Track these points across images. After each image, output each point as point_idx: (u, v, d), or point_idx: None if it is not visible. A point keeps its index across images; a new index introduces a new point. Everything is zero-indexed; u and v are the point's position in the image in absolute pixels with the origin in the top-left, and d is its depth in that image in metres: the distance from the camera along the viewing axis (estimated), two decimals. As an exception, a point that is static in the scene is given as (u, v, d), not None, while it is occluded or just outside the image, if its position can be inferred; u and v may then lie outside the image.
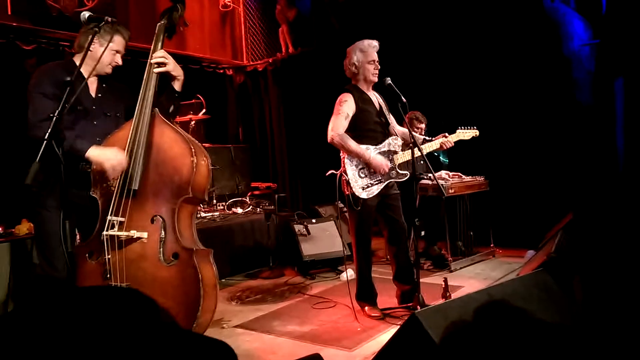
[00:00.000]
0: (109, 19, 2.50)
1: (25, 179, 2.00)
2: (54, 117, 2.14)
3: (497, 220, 4.88)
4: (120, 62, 2.65)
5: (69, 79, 2.27)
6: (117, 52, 2.61)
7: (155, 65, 2.56)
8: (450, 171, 4.77)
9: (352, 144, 3.16)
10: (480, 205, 4.80)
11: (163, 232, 2.40)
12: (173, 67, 2.60)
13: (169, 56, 2.59)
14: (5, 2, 4.75)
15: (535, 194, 4.80)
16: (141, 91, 2.52)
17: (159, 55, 2.57)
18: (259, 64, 7.12)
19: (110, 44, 2.53)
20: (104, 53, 2.52)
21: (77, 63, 2.49)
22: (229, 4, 7.13)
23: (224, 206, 5.36)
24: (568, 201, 4.36)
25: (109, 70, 2.63)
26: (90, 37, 2.44)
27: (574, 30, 4.79)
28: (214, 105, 6.36)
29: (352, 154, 3.19)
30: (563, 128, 4.69)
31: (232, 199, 5.49)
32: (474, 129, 3.61)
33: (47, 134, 2.12)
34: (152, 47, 2.60)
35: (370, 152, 3.20)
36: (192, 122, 5.50)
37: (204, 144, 5.61)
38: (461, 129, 3.59)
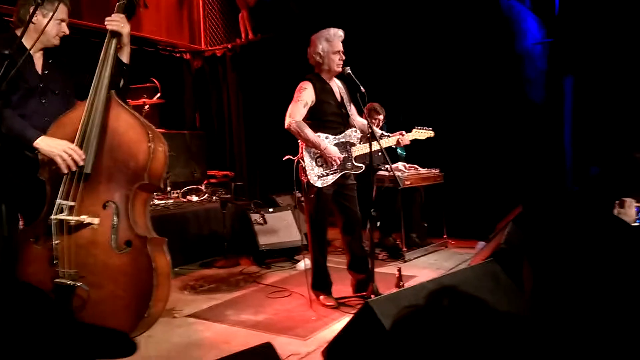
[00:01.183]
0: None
1: None
2: None
3: (450, 212, 5.00)
4: (67, 31, 2.51)
5: (7, 52, 2.14)
6: (62, 20, 2.47)
7: (112, 29, 2.42)
8: (407, 163, 4.85)
9: (309, 132, 3.14)
10: (434, 197, 4.91)
11: (116, 218, 2.31)
12: (127, 33, 2.48)
13: (126, 22, 2.47)
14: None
15: (487, 187, 4.94)
16: (97, 70, 2.40)
17: (117, 17, 2.44)
18: (217, 49, 6.96)
19: (55, 14, 2.39)
20: (49, 23, 2.38)
21: (20, 37, 2.35)
22: (186, -15, 6.92)
23: (178, 194, 5.24)
24: (518, 194, 4.51)
25: (56, 42, 2.49)
26: (32, 8, 2.30)
27: (528, 28, 4.94)
28: (170, 90, 6.17)
29: (308, 143, 3.17)
30: (515, 124, 4.84)
31: (187, 187, 5.36)
32: (429, 130, 3.69)
33: None
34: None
35: (326, 142, 3.19)
36: (147, 106, 5.33)
37: (158, 130, 5.47)
38: (417, 128, 3.65)
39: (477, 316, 0.91)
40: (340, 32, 3.25)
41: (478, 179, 5.03)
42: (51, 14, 2.38)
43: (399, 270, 3.36)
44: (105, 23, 2.44)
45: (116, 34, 2.45)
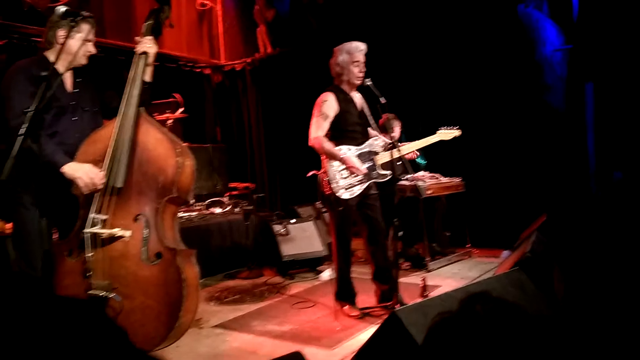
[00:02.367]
0: (85, 14, 2.49)
1: (0, 175, 1.97)
2: (29, 113, 2.11)
3: (473, 221, 4.97)
4: (93, 50, 2.60)
5: (44, 74, 2.24)
6: (88, 40, 2.56)
7: (142, 51, 2.53)
8: (429, 172, 4.85)
9: (327, 146, 3.18)
10: (457, 206, 4.89)
11: (146, 231, 2.37)
12: (154, 54, 2.58)
13: (154, 43, 2.57)
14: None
15: (510, 195, 4.91)
16: (126, 89, 2.48)
17: (147, 40, 2.54)
18: (237, 64, 7.08)
19: (80, 34, 2.50)
20: (74, 43, 2.48)
21: (50, 58, 2.45)
22: (206, 2, 7.08)
23: (201, 206, 5.32)
24: (542, 202, 4.48)
25: (84, 61, 2.58)
26: (62, 31, 2.41)
27: (547, 36, 4.93)
28: (192, 104, 6.29)
29: (329, 156, 3.21)
30: (536, 131, 4.82)
31: (210, 199, 5.44)
32: (456, 128, 3.67)
33: (23, 130, 2.09)
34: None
35: (347, 153, 3.22)
36: (170, 121, 5.43)
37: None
38: (442, 129, 3.64)
39: (509, 323, 0.92)
40: (362, 46, 3.29)
41: (500, 187, 5.00)
42: (77, 34, 2.48)
43: (424, 280, 3.36)
44: (136, 47, 2.54)
45: (144, 55, 2.54)
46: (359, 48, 3.28)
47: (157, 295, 2.33)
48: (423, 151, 5.14)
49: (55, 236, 2.61)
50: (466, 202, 4.88)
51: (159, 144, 2.47)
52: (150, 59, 2.59)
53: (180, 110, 5.65)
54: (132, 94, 2.48)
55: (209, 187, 5.70)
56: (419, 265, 4.49)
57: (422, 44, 5.38)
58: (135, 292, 2.34)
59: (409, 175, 4.44)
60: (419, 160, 5.07)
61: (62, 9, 2.46)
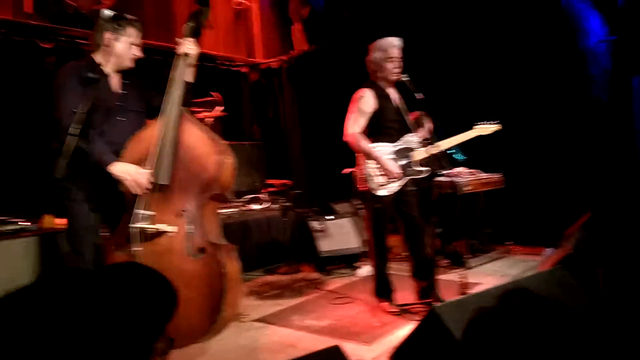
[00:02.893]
0: (129, 17, 2.57)
1: (53, 172, 2.07)
2: (78, 113, 2.21)
3: (514, 218, 4.87)
4: (140, 54, 2.69)
5: (92, 75, 2.33)
6: (134, 44, 2.64)
7: (183, 53, 2.60)
8: (467, 168, 4.78)
9: (363, 144, 3.18)
10: (496, 203, 4.80)
11: (190, 226, 2.45)
12: (196, 55, 2.65)
13: (195, 45, 2.65)
14: (23, 2, 4.84)
15: (552, 191, 4.78)
16: (167, 89, 2.56)
17: (188, 41, 2.62)
18: (273, 62, 7.15)
19: (126, 38, 2.58)
20: (121, 47, 2.57)
21: (98, 60, 2.55)
22: (242, 1, 7.17)
23: (240, 203, 5.42)
24: (586, 198, 4.35)
25: (130, 64, 2.66)
26: (109, 33, 2.50)
27: (590, 27, 4.76)
28: (229, 102, 6.38)
29: (366, 156, 3.22)
30: (580, 124, 4.67)
31: (249, 196, 5.54)
32: (495, 123, 3.59)
33: (73, 130, 2.19)
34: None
35: (381, 151, 3.21)
36: (209, 120, 5.55)
37: (220, 141, 5.69)
38: (480, 124, 3.58)
39: (548, 317, 0.91)
40: (396, 42, 3.27)
41: (543, 182, 4.88)
42: (124, 37, 2.57)
43: (463, 278, 3.33)
44: (177, 48, 2.62)
45: (186, 56, 2.61)
46: (393, 44, 3.26)
47: (200, 288, 2.41)
48: (461, 147, 5.07)
49: (105, 231, 2.72)
50: (507, 198, 4.78)
51: (201, 143, 2.55)
52: (192, 60, 2.66)
53: (220, 108, 5.76)
54: (174, 94, 2.56)
55: (247, 184, 5.79)
56: (458, 262, 4.44)
57: (461, 35, 5.28)
58: (179, 286, 2.37)
59: (446, 172, 4.40)
60: (457, 156, 5.00)
61: (108, 12, 2.55)
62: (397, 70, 3.26)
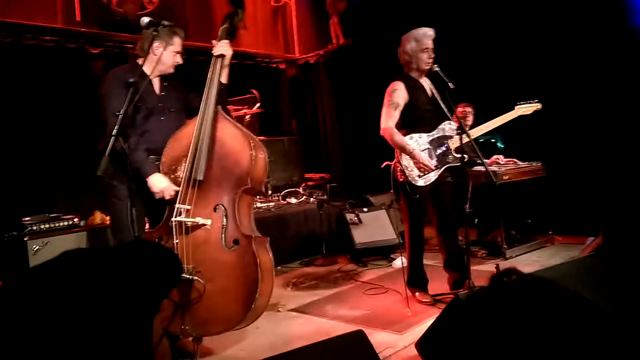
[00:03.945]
0: (166, 23, 2.70)
1: (96, 171, 2.23)
2: (120, 115, 2.36)
3: (556, 207, 4.74)
4: (181, 61, 2.84)
5: (134, 79, 2.49)
6: (177, 52, 2.80)
7: (219, 54, 2.73)
8: (506, 157, 4.70)
9: (398, 138, 3.20)
10: (537, 192, 4.69)
11: (225, 219, 2.58)
12: (230, 56, 2.77)
13: (229, 46, 2.77)
14: (74, 10, 5.13)
15: (595, 180, 4.62)
16: (205, 89, 2.69)
17: (223, 43, 2.74)
18: (310, 57, 7.23)
19: (171, 47, 2.74)
20: (167, 55, 2.73)
21: (142, 65, 2.70)
22: (280, -1, 7.28)
23: (278, 197, 5.54)
24: (631, 186, 4.18)
25: (172, 70, 2.82)
26: (151, 40, 2.64)
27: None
28: (268, 98, 6.53)
29: (400, 150, 3.24)
30: (627, 109, 4.47)
31: (287, 190, 5.66)
32: (535, 102, 3.52)
33: (115, 130, 2.35)
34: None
35: (418, 141, 3.23)
36: (248, 116, 5.70)
37: (259, 137, 5.82)
38: (520, 104, 3.51)
39: (572, 312, 0.91)
40: (430, 32, 3.27)
41: (585, 170, 4.72)
42: (169, 46, 2.73)
43: (497, 267, 3.30)
44: (213, 49, 2.75)
45: (221, 57, 2.73)
46: (427, 34, 3.26)
47: (235, 278, 2.53)
48: (501, 135, 4.99)
49: (147, 226, 2.89)
50: (547, 187, 4.66)
51: (234, 139, 2.66)
52: (227, 61, 2.77)
53: (257, 105, 5.90)
54: (211, 94, 2.69)
55: (285, 178, 5.91)
56: (496, 252, 4.39)
57: (500, 18, 5.14)
58: (216, 276, 2.55)
59: (485, 160, 4.34)
60: (498, 144, 4.93)
61: (145, 19, 2.69)
62: (430, 60, 3.26)
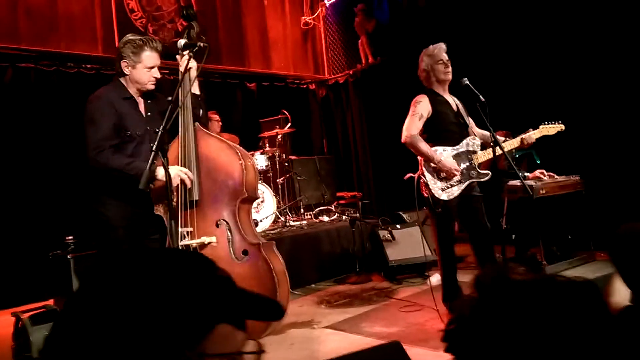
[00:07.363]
0: (202, 45, 2.73)
1: (138, 184, 2.28)
2: (160, 132, 2.35)
3: (597, 222, 4.58)
4: (158, 75, 2.72)
5: (170, 98, 2.47)
6: (151, 68, 2.68)
7: (188, 68, 2.64)
8: (539, 171, 4.59)
9: (423, 146, 3.18)
10: (577, 207, 4.55)
11: (229, 233, 2.58)
12: (195, 67, 2.71)
13: (191, 60, 2.68)
14: (113, 38, 5.37)
15: (637, 193, 4.46)
16: (181, 112, 2.61)
17: (186, 54, 2.67)
18: (339, 77, 7.32)
19: (140, 64, 2.65)
20: (138, 73, 2.65)
21: (125, 85, 2.70)
22: (309, 21, 7.43)
23: (311, 215, 5.56)
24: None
25: (151, 87, 2.72)
26: (119, 61, 2.65)
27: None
28: (299, 118, 6.63)
29: (423, 156, 3.22)
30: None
31: (319, 208, 5.67)
32: (558, 123, 3.50)
33: (155, 145, 2.37)
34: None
35: (442, 154, 3.20)
36: (279, 136, 5.79)
37: (290, 157, 5.90)
38: (545, 124, 3.48)
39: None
40: (440, 45, 3.31)
41: (627, 184, 4.56)
42: (137, 64, 2.65)
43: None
44: (180, 66, 2.67)
45: (188, 71, 2.64)
46: (439, 47, 3.30)
47: (254, 288, 2.50)
48: (538, 150, 4.88)
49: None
50: (587, 201, 4.52)
51: (221, 152, 2.67)
52: (194, 73, 2.71)
53: (288, 125, 6.00)
54: (187, 113, 2.63)
55: (317, 197, 5.93)
56: (534, 269, 4.23)
57: (528, 35, 5.10)
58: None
59: (526, 174, 4.26)
60: (535, 158, 4.83)
61: (182, 41, 2.75)
62: (447, 70, 3.28)
